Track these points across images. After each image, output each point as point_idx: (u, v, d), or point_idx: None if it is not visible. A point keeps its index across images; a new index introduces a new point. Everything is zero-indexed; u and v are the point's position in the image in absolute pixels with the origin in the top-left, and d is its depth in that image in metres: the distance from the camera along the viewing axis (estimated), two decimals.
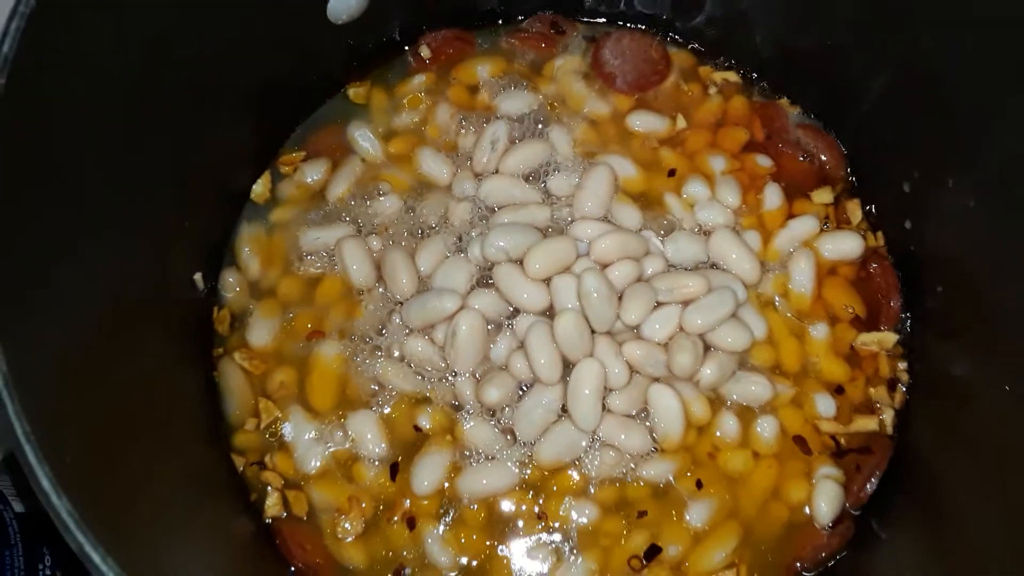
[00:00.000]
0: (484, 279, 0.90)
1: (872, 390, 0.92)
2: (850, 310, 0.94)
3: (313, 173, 0.98)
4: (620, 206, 0.94)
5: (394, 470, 0.87)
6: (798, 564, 0.87)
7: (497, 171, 0.96)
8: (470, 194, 0.95)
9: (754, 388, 0.89)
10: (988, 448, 0.78)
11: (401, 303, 0.90)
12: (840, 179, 0.99)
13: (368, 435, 0.87)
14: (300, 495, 0.87)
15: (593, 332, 0.86)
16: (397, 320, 0.90)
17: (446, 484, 0.86)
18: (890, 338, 0.92)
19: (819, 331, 0.92)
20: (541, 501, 0.86)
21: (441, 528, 0.85)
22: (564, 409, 0.86)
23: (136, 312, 0.78)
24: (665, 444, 0.86)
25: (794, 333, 0.92)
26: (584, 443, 0.86)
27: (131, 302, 0.77)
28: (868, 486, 0.88)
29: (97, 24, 0.69)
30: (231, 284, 0.94)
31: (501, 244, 0.88)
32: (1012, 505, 0.73)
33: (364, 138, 0.99)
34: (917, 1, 0.83)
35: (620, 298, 0.87)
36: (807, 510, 0.87)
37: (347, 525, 0.85)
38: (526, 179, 0.96)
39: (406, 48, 1.04)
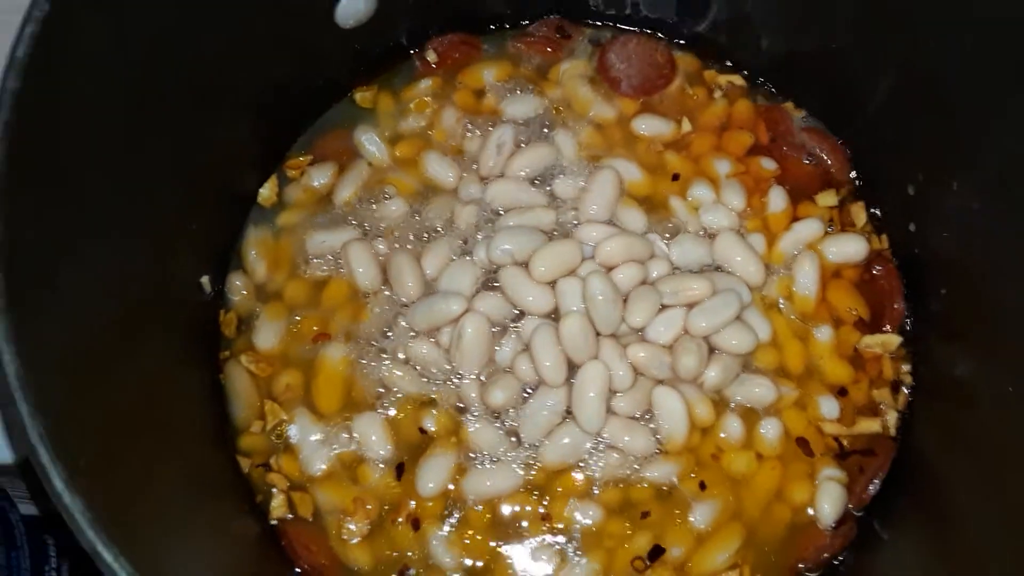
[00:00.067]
0: (489, 282, 0.91)
1: (875, 392, 0.92)
2: (854, 312, 0.94)
3: (320, 177, 0.98)
4: (625, 209, 0.94)
5: (400, 470, 0.87)
6: (801, 565, 0.87)
7: (503, 175, 0.96)
8: (476, 197, 0.95)
9: (758, 390, 0.89)
10: (990, 449, 0.78)
11: (407, 306, 0.91)
12: (845, 182, 0.99)
13: (373, 437, 0.87)
14: (306, 496, 0.87)
15: (598, 334, 0.86)
16: (403, 323, 0.90)
17: (451, 486, 0.86)
18: (894, 340, 0.92)
19: (823, 333, 0.92)
20: (545, 503, 0.86)
21: (446, 529, 0.86)
22: (568, 411, 0.86)
23: (143, 314, 0.78)
24: (669, 446, 0.87)
25: (798, 335, 0.92)
26: (588, 445, 0.86)
27: (138, 304, 0.77)
28: (871, 487, 0.88)
29: (97, 24, 0.69)
30: (238, 287, 0.94)
31: (507, 247, 0.89)
32: (1014, 506, 0.73)
33: (371, 142, 0.99)
34: (917, 1, 0.83)
35: (625, 301, 0.87)
36: (810, 511, 0.87)
37: (352, 526, 0.85)
38: (532, 182, 0.96)
39: (412, 53, 1.04)
